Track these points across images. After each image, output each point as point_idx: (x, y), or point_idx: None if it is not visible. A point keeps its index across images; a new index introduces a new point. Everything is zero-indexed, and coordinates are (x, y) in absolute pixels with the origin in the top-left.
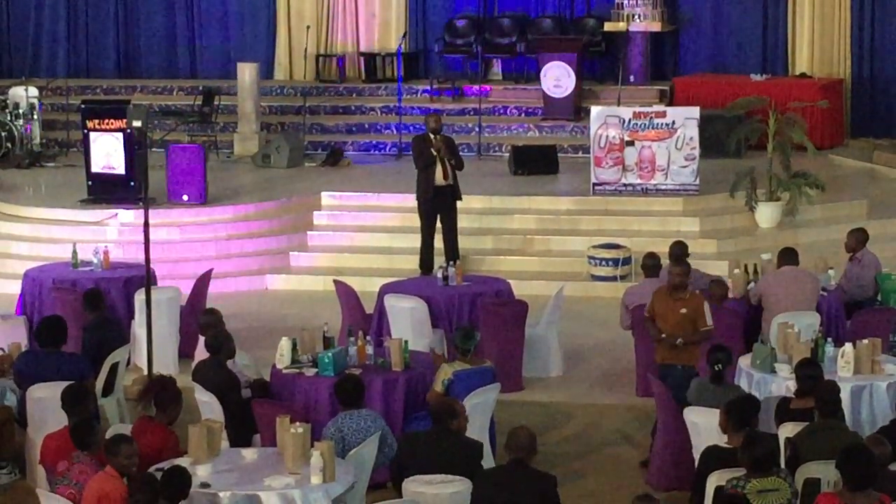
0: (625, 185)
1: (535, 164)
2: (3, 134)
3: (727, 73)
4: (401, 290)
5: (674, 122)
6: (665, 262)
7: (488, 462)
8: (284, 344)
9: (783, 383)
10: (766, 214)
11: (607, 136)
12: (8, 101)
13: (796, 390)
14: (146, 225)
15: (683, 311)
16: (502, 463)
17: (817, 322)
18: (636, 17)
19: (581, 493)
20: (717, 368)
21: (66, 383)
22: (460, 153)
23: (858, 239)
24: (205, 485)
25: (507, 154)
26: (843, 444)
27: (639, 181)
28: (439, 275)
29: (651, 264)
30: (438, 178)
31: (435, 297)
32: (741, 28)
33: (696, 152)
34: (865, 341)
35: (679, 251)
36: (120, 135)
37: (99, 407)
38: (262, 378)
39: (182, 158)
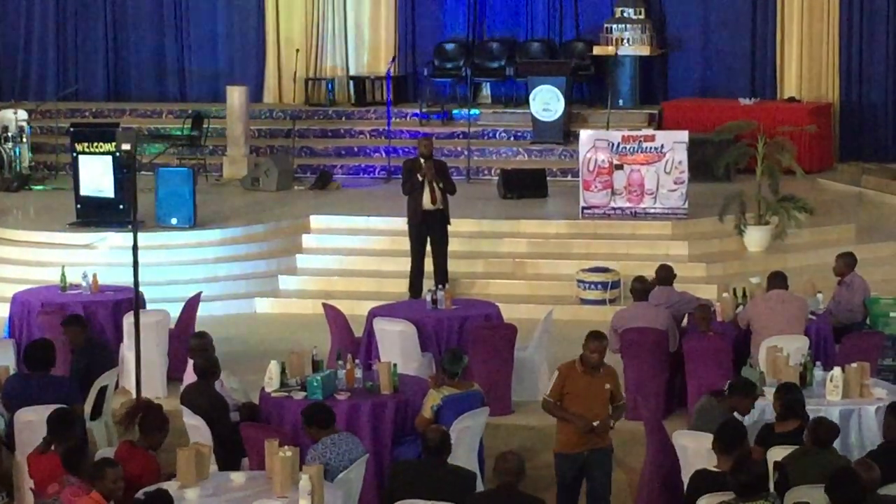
0: (614, 208)
1: (525, 187)
2: None
3: (716, 97)
4: (390, 314)
5: (663, 146)
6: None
7: (477, 486)
8: (273, 367)
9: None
10: (755, 238)
11: (596, 160)
12: None
13: (778, 415)
14: (135, 248)
15: (607, 386)
16: (491, 487)
17: (806, 346)
18: (625, 41)
19: None
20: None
21: (54, 407)
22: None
23: (847, 263)
24: None
25: (497, 178)
26: (832, 469)
27: (628, 205)
28: (428, 298)
29: (640, 288)
30: (426, 202)
31: (424, 320)
32: (730, 52)
33: (685, 176)
34: (854, 365)
35: (665, 274)
36: (109, 158)
37: (87, 430)
38: (251, 401)
39: (171, 181)
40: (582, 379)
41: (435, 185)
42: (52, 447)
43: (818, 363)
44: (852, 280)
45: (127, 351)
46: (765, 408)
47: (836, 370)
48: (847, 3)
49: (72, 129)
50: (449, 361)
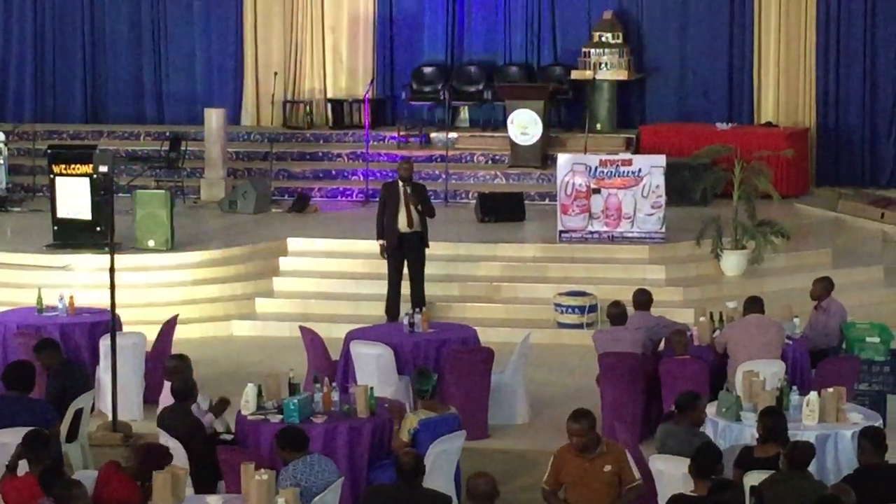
0: (591, 232)
1: (502, 211)
2: None
3: (693, 121)
4: (367, 337)
5: (640, 171)
6: (630, 310)
7: None
8: (250, 390)
9: (749, 431)
10: (732, 262)
11: (574, 184)
12: None
13: (759, 438)
14: (112, 270)
15: (608, 468)
16: None
17: (782, 370)
18: (603, 65)
19: None
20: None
21: (30, 429)
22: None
23: (825, 287)
24: None
25: (474, 201)
26: (808, 493)
27: (605, 229)
28: (405, 321)
29: (616, 312)
30: (402, 225)
31: (401, 343)
32: (707, 77)
33: (663, 200)
34: (830, 390)
35: (643, 298)
36: (86, 180)
37: (63, 453)
38: (224, 397)
39: (148, 204)
40: (576, 463)
41: (412, 207)
42: (29, 468)
43: (794, 387)
44: (829, 305)
45: (103, 373)
46: (742, 430)
47: (813, 395)
48: (824, 29)
49: (49, 151)
50: (418, 380)
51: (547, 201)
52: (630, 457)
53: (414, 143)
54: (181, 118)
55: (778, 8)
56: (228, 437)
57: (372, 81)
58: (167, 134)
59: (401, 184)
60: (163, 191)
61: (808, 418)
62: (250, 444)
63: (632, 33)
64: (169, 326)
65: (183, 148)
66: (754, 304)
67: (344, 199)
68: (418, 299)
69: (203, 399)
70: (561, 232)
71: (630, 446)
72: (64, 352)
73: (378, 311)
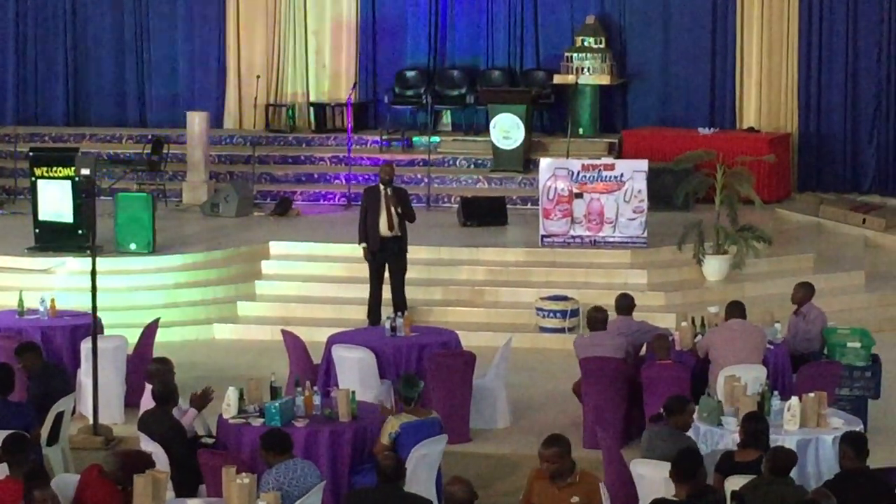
0: (573, 237)
1: (484, 215)
2: None
3: (675, 126)
4: (348, 341)
5: (622, 175)
6: (612, 314)
7: None
8: (231, 394)
9: (730, 436)
10: (714, 267)
11: (556, 189)
12: None
13: (740, 443)
14: (93, 273)
15: (575, 499)
16: None
17: (764, 375)
18: (585, 69)
19: None
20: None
21: (10, 432)
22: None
23: (805, 293)
24: None
25: (456, 205)
26: (789, 499)
27: (587, 233)
28: (387, 325)
29: (597, 318)
30: (384, 229)
31: (383, 347)
32: (689, 82)
33: (645, 205)
34: (811, 395)
35: (625, 303)
36: (68, 183)
37: (44, 457)
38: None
39: (130, 207)
40: (546, 488)
41: (394, 211)
42: (9, 472)
43: (776, 392)
44: (809, 310)
45: (84, 376)
46: (723, 435)
47: (794, 400)
48: (806, 35)
49: (31, 154)
50: (404, 387)
51: (529, 206)
52: (605, 493)
53: (396, 146)
54: (163, 121)
55: (760, 14)
56: (209, 440)
57: (354, 85)
58: (149, 137)
59: (382, 188)
60: (145, 194)
61: (789, 423)
62: (231, 447)
63: (614, 38)
64: (150, 330)
65: (165, 151)
66: (736, 309)
67: (326, 202)
68: (400, 303)
69: (185, 402)
70: (543, 236)
71: (611, 450)
72: (45, 355)
73: (360, 314)
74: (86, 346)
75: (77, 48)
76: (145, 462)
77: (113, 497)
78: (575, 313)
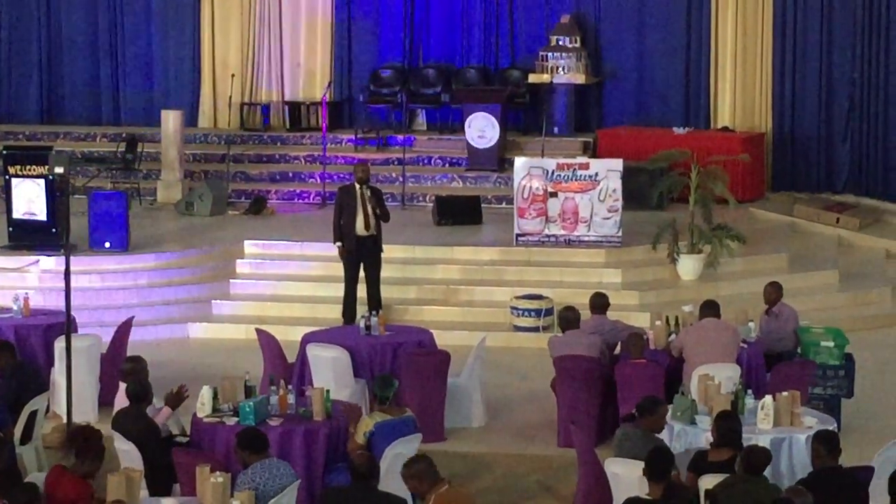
0: (548, 236)
1: (459, 214)
2: None
3: (650, 125)
4: (323, 340)
5: (597, 174)
6: (586, 313)
7: None
8: (205, 393)
9: (704, 435)
10: (688, 267)
11: (531, 188)
12: None
13: (714, 442)
14: (67, 272)
15: None
16: None
17: (737, 374)
18: (560, 69)
19: None
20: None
21: None
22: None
23: (776, 292)
24: None
25: (431, 204)
26: (763, 497)
27: (562, 232)
28: (362, 324)
29: (568, 317)
30: (360, 228)
31: (357, 346)
32: (664, 82)
33: (619, 204)
34: (785, 394)
35: (599, 302)
36: (42, 181)
37: (17, 455)
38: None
39: (104, 205)
40: None
41: (370, 210)
42: None
43: (749, 391)
44: (780, 309)
45: (58, 375)
46: (697, 434)
47: (768, 398)
48: (780, 35)
49: (4, 152)
50: (379, 387)
51: (504, 205)
52: None
53: (371, 146)
54: (138, 119)
55: (735, 13)
56: (183, 439)
57: (329, 84)
58: (123, 135)
59: (358, 187)
60: (119, 192)
61: (762, 422)
62: (205, 446)
63: (589, 37)
64: (124, 328)
65: (139, 149)
66: (710, 308)
67: (301, 201)
68: (375, 302)
69: (159, 401)
70: (518, 235)
71: (585, 449)
72: (18, 353)
73: (334, 313)
74: (59, 344)
75: (51, 46)
76: (92, 435)
77: (83, 489)
78: (549, 312)
